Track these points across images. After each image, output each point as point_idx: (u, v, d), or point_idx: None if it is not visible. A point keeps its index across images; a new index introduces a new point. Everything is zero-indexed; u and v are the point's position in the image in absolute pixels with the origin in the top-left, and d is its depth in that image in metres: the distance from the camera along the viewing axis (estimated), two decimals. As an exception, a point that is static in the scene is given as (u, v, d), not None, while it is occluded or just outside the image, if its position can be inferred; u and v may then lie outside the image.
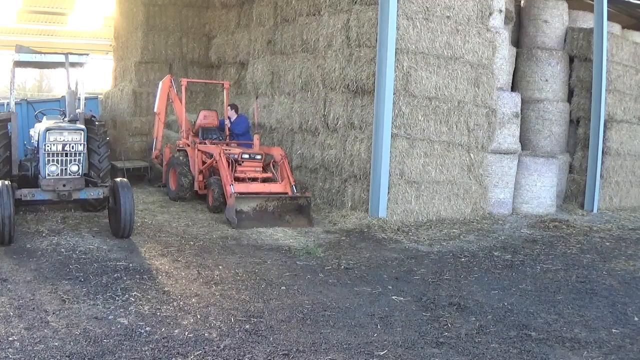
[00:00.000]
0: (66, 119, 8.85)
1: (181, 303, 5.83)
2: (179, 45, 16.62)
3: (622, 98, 13.83)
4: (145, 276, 6.66)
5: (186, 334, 5.06)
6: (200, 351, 4.71)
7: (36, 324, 5.09)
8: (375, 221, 10.01)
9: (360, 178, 10.73)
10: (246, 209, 9.64)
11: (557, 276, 7.61)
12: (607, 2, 12.92)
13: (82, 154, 8.44)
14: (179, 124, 12.64)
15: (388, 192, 10.30)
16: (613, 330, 5.70)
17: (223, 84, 13.22)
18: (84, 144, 8.45)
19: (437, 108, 10.77)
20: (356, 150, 10.80)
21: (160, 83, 12.86)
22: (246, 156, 10.55)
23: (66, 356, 4.50)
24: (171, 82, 12.65)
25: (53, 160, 8.26)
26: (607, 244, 9.92)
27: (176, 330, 5.13)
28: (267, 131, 13.33)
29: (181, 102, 12.17)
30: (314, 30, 12.10)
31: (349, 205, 10.85)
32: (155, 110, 12.77)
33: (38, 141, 8.64)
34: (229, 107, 12.43)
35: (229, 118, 12.38)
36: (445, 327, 5.56)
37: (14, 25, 24.16)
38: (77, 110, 9.18)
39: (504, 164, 11.86)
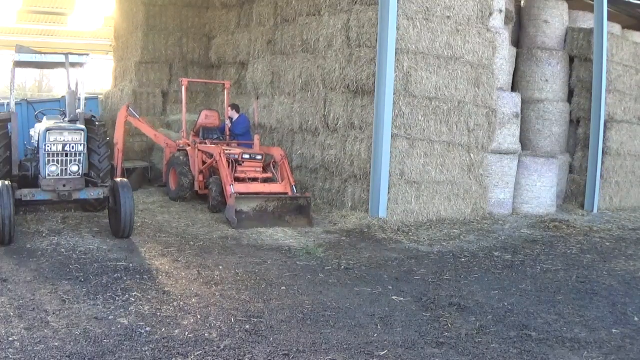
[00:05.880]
0: (66, 119, 8.85)
1: (181, 303, 5.83)
2: (179, 45, 16.61)
3: (622, 98, 13.82)
4: (145, 276, 6.66)
5: (186, 334, 5.06)
6: (200, 351, 4.71)
7: (36, 324, 5.09)
8: (375, 221, 10.01)
9: (360, 178, 10.73)
10: (246, 209, 9.64)
11: (557, 276, 7.61)
12: (607, 2, 12.91)
13: (82, 154, 8.44)
14: (155, 141, 13.09)
15: (388, 192, 10.30)
16: (613, 330, 5.70)
17: (223, 83, 13.23)
18: (84, 144, 8.45)
19: (437, 108, 10.77)
20: (356, 150, 10.79)
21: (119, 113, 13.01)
22: (246, 156, 10.56)
23: (66, 356, 4.50)
24: (127, 110, 12.76)
25: (53, 160, 8.25)
26: (607, 244, 9.92)
27: (176, 330, 5.13)
28: (267, 131, 13.33)
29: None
30: (314, 30, 12.09)
31: (349, 205, 10.85)
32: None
33: (38, 141, 8.64)
34: (229, 108, 12.44)
35: (230, 118, 12.39)
36: (445, 327, 5.56)
37: (14, 25, 24.12)
38: (77, 110, 9.17)
39: (504, 164, 11.86)
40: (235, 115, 12.36)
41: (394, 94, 10.26)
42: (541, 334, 5.48)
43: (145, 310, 5.57)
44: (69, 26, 24.38)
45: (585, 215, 12.52)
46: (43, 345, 4.66)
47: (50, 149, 8.23)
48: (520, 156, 12.23)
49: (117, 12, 18.48)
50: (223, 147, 10.93)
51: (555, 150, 13.49)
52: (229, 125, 12.40)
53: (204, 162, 11.37)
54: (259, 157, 10.70)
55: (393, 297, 6.41)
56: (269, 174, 10.74)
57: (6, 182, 7.81)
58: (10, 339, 4.77)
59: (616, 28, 14.86)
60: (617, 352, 5.19)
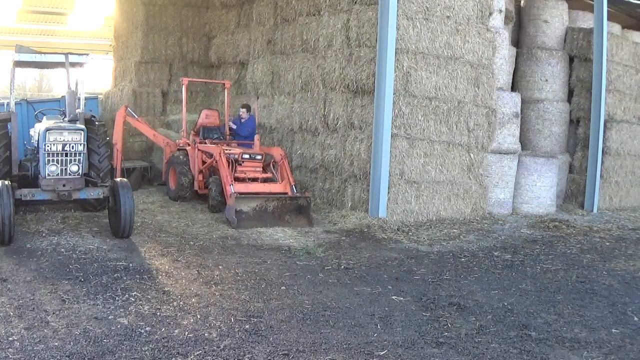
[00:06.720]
0: (66, 119, 8.85)
1: (181, 303, 5.83)
2: (179, 45, 16.62)
3: (622, 98, 13.83)
4: (145, 276, 6.66)
5: (186, 334, 5.06)
6: (200, 351, 4.71)
7: (36, 324, 5.09)
8: (375, 221, 10.01)
9: (360, 178, 10.73)
10: (246, 209, 9.65)
11: (557, 276, 7.61)
12: (607, 2, 12.91)
13: (82, 154, 8.44)
14: (155, 141, 13.21)
15: (388, 192, 10.30)
16: (613, 330, 5.70)
17: (224, 83, 13.23)
18: (84, 144, 8.45)
19: (437, 108, 10.77)
20: (356, 150, 10.79)
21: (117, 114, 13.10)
22: (246, 156, 10.56)
23: (66, 356, 4.50)
24: (126, 110, 12.85)
25: (53, 160, 8.25)
26: (607, 244, 9.92)
27: (176, 330, 5.13)
28: (267, 131, 13.33)
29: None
30: (314, 30, 12.10)
31: (349, 205, 10.85)
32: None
33: (38, 141, 8.64)
34: (242, 108, 12.39)
35: (241, 118, 12.35)
36: (445, 327, 5.56)
37: (14, 25, 24.12)
38: (77, 110, 9.17)
39: (504, 164, 11.86)
40: (246, 116, 12.33)
41: (394, 94, 10.26)
42: (541, 334, 5.48)
43: (145, 310, 5.57)
44: (69, 26, 24.38)
45: (585, 215, 12.52)
46: (43, 345, 4.66)
47: (50, 149, 8.23)
48: (520, 156, 12.23)
49: (117, 12, 18.48)
50: (223, 147, 10.93)
51: (555, 150, 13.49)
52: (230, 125, 12.38)
53: (204, 162, 11.37)
54: (259, 157, 10.71)
55: (393, 297, 6.41)
56: (269, 174, 10.74)
57: (6, 182, 7.80)
58: (10, 339, 4.77)
59: (616, 28, 14.86)
60: (617, 352, 5.19)
